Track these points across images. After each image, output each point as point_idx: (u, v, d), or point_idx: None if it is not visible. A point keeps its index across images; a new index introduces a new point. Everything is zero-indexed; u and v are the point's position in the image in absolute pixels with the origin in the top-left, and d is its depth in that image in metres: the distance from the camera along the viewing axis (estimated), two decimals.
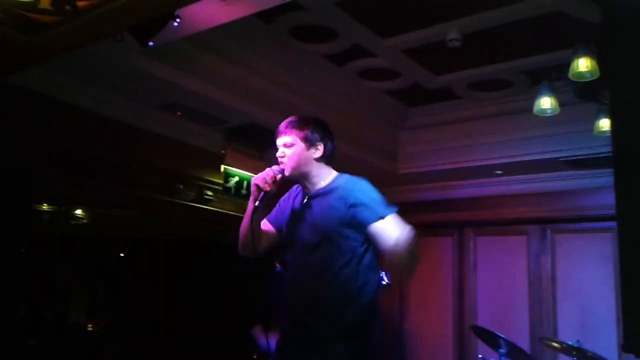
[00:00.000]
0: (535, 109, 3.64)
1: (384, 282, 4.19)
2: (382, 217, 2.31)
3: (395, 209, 2.37)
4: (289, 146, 2.45)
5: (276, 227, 2.59)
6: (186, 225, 6.62)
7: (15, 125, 3.72)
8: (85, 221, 6.56)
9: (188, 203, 5.11)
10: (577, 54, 3.25)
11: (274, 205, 2.66)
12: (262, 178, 2.38)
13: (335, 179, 2.51)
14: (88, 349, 7.38)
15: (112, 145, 4.23)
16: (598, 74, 3.22)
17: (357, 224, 2.34)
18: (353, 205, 2.35)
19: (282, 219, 2.59)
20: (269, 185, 2.37)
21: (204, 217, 5.53)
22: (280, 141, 2.48)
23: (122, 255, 8.45)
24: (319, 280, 2.38)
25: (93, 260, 8.34)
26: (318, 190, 2.49)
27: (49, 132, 3.89)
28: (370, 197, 2.38)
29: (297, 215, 2.52)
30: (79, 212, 6.32)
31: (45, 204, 5.95)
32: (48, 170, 4.13)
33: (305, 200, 2.50)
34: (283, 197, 2.65)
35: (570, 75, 3.27)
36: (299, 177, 2.49)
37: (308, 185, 2.51)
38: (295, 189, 2.62)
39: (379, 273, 4.20)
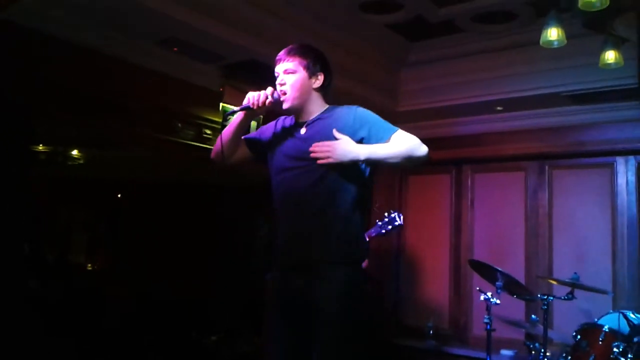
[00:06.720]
0: (542, 40, 3.56)
1: (396, 223, 4.26)
2: (396, 131, 2.34)
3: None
4: (290, 73, 2.39)
5: (252, 148, 2.55)
6: (185, 166, 6.61)
7: (14, 63, 3.62)
8: (81, 162, 6.51)
9: (187, 142, 5.07)
10: None
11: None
12: (256, 95, 2.36)
13: (331, 108, 2.47)
14: (87, 288, 7.50)
15: (110, 83, 4.13)
16: (608, 3, 3.15)
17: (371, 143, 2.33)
18: (362, 126, 2.33)
19: (261, 144, 2.53)
20: (255, 104, 2.35)
21: (203, 157, 5.51)
22: (280, 68, 2.42)
23: (119, 196, 8.45)
24: (318, 208, 2.30)
25: (91, 201, 8.34)
26: (314, 117, 2.44)
27: (47, 70, 3.78)
28: (376, 117, 2.39)
29: (290, 142, 2.44)
30: (75, 152, 6.26)
31: (41, 145, 5.87)
32: (46, 109, 4.06)
33: (302, 129, 2.42)
34: (265, 125, 2.60)
35: (580, 4, 3.19)
36: (296, 107, 2.42)
37: (303, 115, 2.45)
38: (283, 119, 2.55)
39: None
